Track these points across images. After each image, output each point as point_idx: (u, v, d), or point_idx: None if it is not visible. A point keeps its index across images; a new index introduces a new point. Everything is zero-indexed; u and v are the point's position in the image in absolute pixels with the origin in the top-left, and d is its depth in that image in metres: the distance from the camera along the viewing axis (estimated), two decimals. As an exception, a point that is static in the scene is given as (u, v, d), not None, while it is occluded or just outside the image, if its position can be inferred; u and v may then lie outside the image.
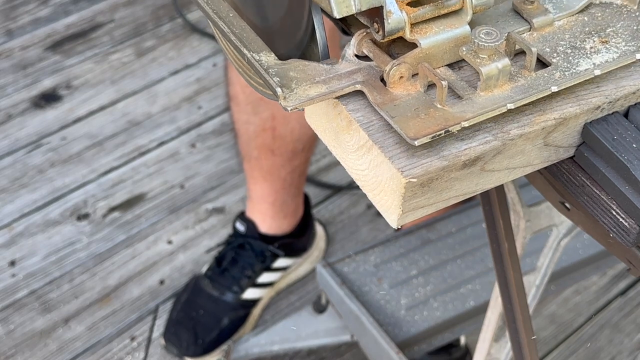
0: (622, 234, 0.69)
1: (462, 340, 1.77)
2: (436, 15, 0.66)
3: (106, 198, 2.07)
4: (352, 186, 2.09)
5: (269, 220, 1.82)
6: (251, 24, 0.71)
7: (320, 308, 1.71)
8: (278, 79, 0.63)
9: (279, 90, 0.62)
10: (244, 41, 0.66)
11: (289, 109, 0.62)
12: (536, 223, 1.10)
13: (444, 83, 0.62)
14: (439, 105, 0.63)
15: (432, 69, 0.63)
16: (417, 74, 0.65)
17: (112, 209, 2.05)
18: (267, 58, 0.65)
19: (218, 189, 2.10)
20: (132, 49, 2.43)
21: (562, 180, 0.72)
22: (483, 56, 0.64)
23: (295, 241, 1.87)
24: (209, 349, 1.80)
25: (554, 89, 0.65)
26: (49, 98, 2.28)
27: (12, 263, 1.93)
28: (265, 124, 1.62)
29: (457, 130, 0.62)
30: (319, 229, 1.98)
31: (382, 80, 0.65)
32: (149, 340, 1.82)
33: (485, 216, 1.01)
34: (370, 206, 2.05)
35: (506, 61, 0.64)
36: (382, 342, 1.54)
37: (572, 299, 1.91)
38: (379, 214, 0.60)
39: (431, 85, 0.65)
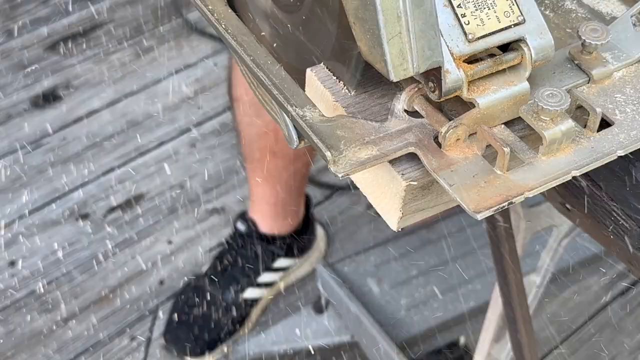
0: (623, 235, 0.69)
1: (462, 340, 1.77)
2: (494, 71, 0.61)
3: (106, 198, 2.07)
4: (352, 186, 2.09)
5: (270, 220, 1.82)
6: (289, 67, 0.67)
7: (320, 308, 1.71)
8: (326, 141, 0.59)
9: (328, 154, 0.58)
10: (286, 94, 0.62)
11: (339, 175, 0.58)
12: (536, 223, 1.10)
13: (507, 150, 0.58)
14: (499, 172, 0.59)
15: (492, 132, 0.59)
16: (473, 133, 0.61)
17: (112, 209, 2.05)
18: (312, 114, 0.61)
19: (218, 189, 2.10)
20: (132, 49, 2.42)
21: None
22: (545, 118, 0.59)
23: (296, 241, 1.87)
24: (208, 348, 1.79)
25: (620, 153, 0.62)
26: (49, 98, 2.28)
27: (12, 263, 1.93)
28: (268, 126, 1.62)
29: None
30: (319, 230, 1.98)
31: (436, 139, 0.61)
32: (149, 340, 1.82)
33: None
34: (370, 206, 2.04)
35: (570, 124, 0.60)
36: (382, 342, 1.54)
37: (572, 299, 1.91)
38: (379, 214, 0.60)
39: (488, 145, 0.61)
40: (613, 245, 0.76)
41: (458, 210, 0.61)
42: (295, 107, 0.61)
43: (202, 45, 2.44)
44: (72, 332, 1.83)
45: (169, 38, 2.46)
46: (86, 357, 1.79)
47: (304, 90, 0.67)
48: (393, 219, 0.64)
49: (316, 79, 0.67)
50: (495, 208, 0.57)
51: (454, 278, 1.65)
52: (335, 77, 0.66)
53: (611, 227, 0.70)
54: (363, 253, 1.70)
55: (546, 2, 0.75)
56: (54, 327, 1.83)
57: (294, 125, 0.64)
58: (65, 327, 1.83)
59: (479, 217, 0.57)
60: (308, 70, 0.67)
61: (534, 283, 1.24)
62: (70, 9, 2.53)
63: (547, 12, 0.73)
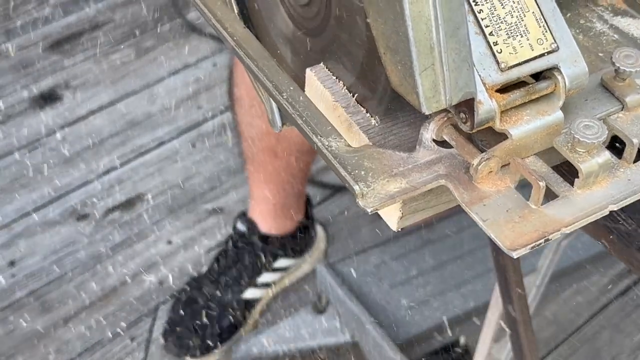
0: (623, 234, 0.69)
1: (462, 340, 1.77)
2: (526, 100, 0.59)
3: (106, 198, 2.07)
4: (352, 186, 2.08)
5: (270, 220, 1.82)
6: None
7: (320, 308, 1.71)
8: (353, 173, 0.57)
9: (356, 187, 0.56)
10: (310, 123, 0.60)
11: (368, 210, 0.56)
12: (536, 223, 1.10)
13: (542, 184, 0.56)
14: (533, 206, 0.57)
15: (527, 165, 0.57)
16: (505, 164, 0.59)
17: (112, 209, 2.05)
18: (338, 144, 0.59)
19: (218, 189, 2.10)
20: (132, 49, 2.42)
21: (562, 182, 0.72)
22: (581, 150, 0.58)
23: (296, 242, 1.87)
24: (208, 349, 1.79)
25: None
26: (48, 98, 2.28)
27: (12, 263, 1.93)
28: (268, 126, 1.61)
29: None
30: (319, 230, 1.98)
31: (466, 171, 0.60)
32: (149, 340, 1.82)
33: (486, 217, 1.01)
34: (370, 206, 2.04)
35: (607, 155, 0.58)
36: (382, 342, 1.54)
37: (572, 299, 1.91)
38: (379, 214, 0.60)
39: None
40: (613, 245, 0.76)
41: (458, 210, 0.61)
42: (321, 136, 0.60)
43: (202, 45, 2.44)
44: (72, 332, 1.83)
45: (169, 38, 2.46)
46: (86, 357, 1.79)
47: (304, 91, 0.67)
48: (393, 219, 0.64)
49: (316, 79, 0.67)
50: (532, 245, 0.56)
51: (454, 278, 1.65)
52: (335, 77, 0.66)
53: (611, 227, 0.70)
54: (363, 253, 1.70)
55: (581, 21, 0.73)
56: (54, 327, 1.83)
57: (279, 109, 0.63)
58: (65, 327, 1.83)
59: (515, 255, 0.55)
60: (308, 70, 0.67)
61: (534, 283, 1.24)
62: (70, 9, 2.53)
63: (578, 35, 0.72)
